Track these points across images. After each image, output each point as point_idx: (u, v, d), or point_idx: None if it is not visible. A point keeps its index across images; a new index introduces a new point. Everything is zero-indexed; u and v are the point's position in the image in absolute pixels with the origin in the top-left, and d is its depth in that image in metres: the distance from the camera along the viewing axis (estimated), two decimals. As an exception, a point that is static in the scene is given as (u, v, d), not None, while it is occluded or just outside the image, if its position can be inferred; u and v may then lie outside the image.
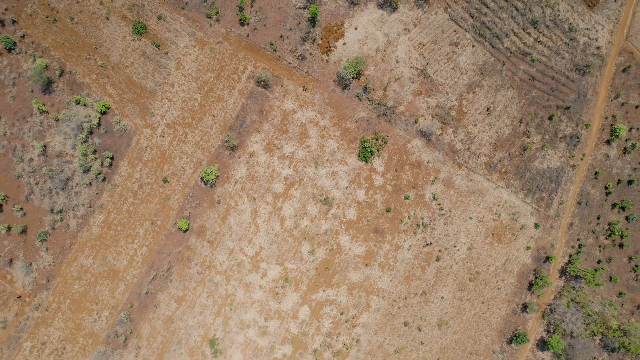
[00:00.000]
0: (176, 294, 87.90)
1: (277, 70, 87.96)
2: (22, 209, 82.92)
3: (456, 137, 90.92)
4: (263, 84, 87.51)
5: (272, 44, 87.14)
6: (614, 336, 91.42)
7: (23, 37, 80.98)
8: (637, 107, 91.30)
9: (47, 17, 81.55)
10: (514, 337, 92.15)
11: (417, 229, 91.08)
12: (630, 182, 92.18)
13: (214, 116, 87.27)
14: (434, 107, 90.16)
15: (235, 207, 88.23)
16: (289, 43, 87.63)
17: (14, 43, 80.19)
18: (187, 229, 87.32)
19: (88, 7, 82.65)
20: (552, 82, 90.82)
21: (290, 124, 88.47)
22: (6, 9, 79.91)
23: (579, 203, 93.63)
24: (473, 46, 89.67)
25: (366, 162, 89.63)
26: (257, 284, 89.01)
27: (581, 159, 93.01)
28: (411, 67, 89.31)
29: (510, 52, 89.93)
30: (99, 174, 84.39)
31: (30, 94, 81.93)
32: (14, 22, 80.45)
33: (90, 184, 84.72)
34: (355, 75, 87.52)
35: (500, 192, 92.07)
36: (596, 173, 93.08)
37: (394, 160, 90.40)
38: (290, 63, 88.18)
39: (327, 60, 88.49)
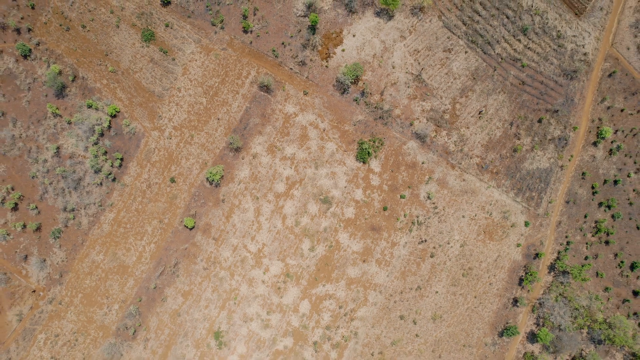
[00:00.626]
0: (183, 289, 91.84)
1: (279, 75, 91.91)
2: (36, 207, 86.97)
3: (450, 139, 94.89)
4: (265, 88, 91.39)
5: (274, 51, 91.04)
6: (600, 329, 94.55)
7: (38, 44, 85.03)
8: (622, 110, 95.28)
9: (60, 26, 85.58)
10: (505, 330, 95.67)
11: (412, 227, 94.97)
12: (615, 182, 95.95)
13: (218, 119, 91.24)
14: (429, 110, 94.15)
15: (239, 206, 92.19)
16: (290, 49, 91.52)
17: (30, 50, 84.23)
18: (193, 227, 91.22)
19: (99, 15, 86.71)
20: (541, 87, 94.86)
21: (292, 126, 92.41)
22: (22, 18, 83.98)
23: (567, 202, 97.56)
24: (466, 52, 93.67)
25: (364, 163, 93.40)
26: (259, 279, 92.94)
27: (569, 160, 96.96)
28: (407, 73, 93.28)
29: (501, 58, 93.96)
30: (110, 174, 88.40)
31: (44, 98, 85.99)
32: (29, 30, 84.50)
33: (101, 183, 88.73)
34: (353, 80, 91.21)
35: (492, 192, 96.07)
36: (583, 173, 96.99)
37: (390, 161, 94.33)
38: (291, 69, 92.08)
39: (326, 66, 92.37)
